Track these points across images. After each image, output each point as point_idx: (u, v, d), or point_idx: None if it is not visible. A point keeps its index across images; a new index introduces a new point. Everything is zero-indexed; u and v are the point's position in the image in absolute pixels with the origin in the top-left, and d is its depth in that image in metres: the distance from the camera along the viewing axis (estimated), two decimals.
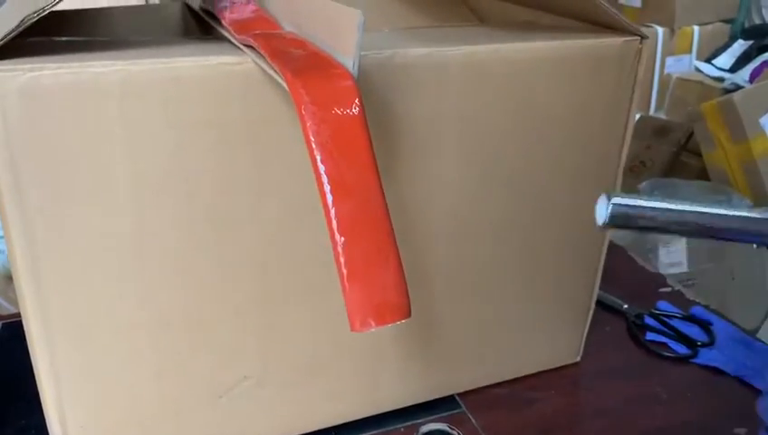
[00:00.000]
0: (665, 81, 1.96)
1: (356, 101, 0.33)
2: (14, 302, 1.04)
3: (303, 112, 0.32)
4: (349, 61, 0.34)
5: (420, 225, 0.49)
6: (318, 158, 0.31)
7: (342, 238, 0.31)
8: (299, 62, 0.34)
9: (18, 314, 0.65)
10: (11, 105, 0.35)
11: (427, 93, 0.44)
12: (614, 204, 0.35)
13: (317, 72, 0.33)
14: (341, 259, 0.31)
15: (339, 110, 0.32)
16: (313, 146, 0.31)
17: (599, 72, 0.50)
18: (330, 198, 0.31)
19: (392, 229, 0.32)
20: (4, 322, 0.67)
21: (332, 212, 0.31)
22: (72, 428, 0.44)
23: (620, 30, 0.51)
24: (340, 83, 0.33)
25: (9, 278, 1.07)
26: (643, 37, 0.51)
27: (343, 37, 0.34)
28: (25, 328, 0.41)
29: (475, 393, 0.58)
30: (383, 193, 0.32)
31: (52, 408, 0.43)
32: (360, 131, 0.32)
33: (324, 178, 0.31)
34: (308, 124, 0.32)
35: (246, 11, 0.46)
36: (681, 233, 0.35)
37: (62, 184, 0.38)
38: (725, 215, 0.34)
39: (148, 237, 0.41)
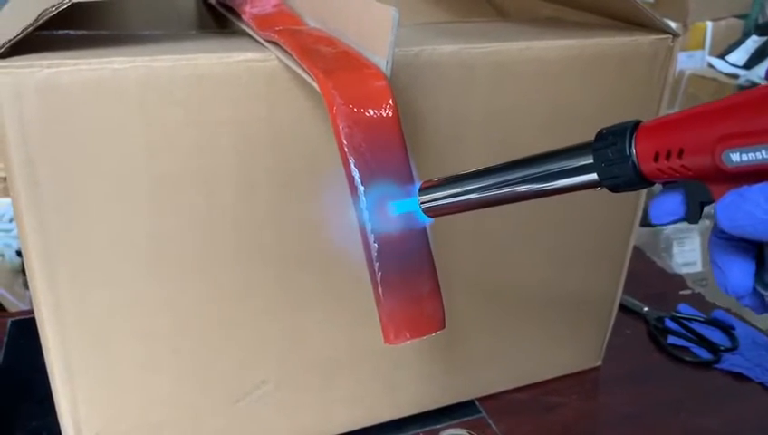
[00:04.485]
0: (677, 77, 1.94)
1: (390, 101, 0.31)
2: (21, 296, 1.03)
3: (336, 113, 0.30)
4: (382, 60, 0.32)
5: (443, 227, 0.47)
6: (351, 161, 0.30)
7: (377, 246, 0.29)
8: (329, 60, 0.33)
9: (28, 312, 0.64)
10: (28, 102, 0.34)
11: (453, 92, 0.43)
12: (425, 208, 0.32)
13: (349, 72, 0.32)
14: (376, 268, 0.29)
15: (372, 111, 0.31)
16: (346, 149, 0.30)
17: (629, 71, 0.48)
18: (364, 201, 0.30)
19: (428, 237, 0.31)
20: (12, 319, 0.66)
21: (366, 217, 0.30)
22: (88, 433, 0.43)
23: (650, 27, 0.49)
24: (374, 84, 0.31)
25: (16, 273, 1.06)
26: (675, 35, 0.49)
27: (376, 35, 0.33)
28: (40, 331, 0.40)
29: (496, 398, 0.57)
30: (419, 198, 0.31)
31: (67, 413, 0.42)
32: (395, 133, 0.31)
33: (358, 182, 0.30)
34: (341, 126, 0.30)
35: (268, 5, 0.44)
36: (502, 202, 0.31)
37: (80, 183, 0.37)
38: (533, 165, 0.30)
39: (167, 239, 0.40)
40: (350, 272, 0.39)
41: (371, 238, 0.30)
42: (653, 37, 0.48)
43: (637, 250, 0.79)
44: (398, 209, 0.31)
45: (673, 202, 0.27)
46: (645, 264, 0.78)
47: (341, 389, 0.50)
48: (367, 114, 0.31)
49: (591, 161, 0.28)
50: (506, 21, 0.61)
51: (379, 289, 0.30)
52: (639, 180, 0.26)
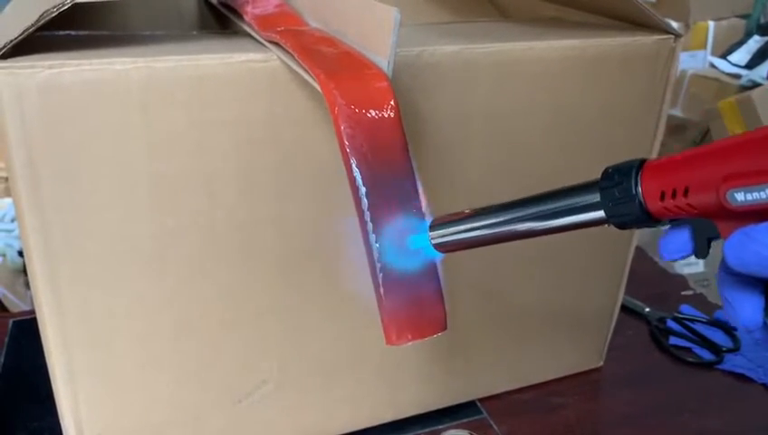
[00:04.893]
0: (679, 77, 1.93)
1: (391, 102, 0.31)
2: (22, 296, 1.03)
3: (337, 114, 0.30)
4: (383, 61, 0.32)
5: None
6: (353, 162, 0.30)
7: (379, 246, 0.29)
8: (331, 61, 0.33)
9: (29, 312, 0.64)
10: (29, 103, 0.34)
11: (455, 92, 0.43)
12: (435, 244, 0.33)
13: (351, 73, 0.32)
14: (378, 269, 0.29)
15: (374, 112, 0.31)
16: (348, 150, 0.30)
17: (631, 72, 0.48)
18: (365, 202, 0.30)
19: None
20: (14, 319, 0.66)
21: (368, 217, 0.30)
22: (89, 434, 0.43)
23: (652, 27, 0.49)
24: (375, 84, 0.31)
25: (17, 273, 1.06)
26: (677, 35, 0.49)
27: (377, 36, 0.32)
28: (41, 331, 0.40)
29: (497, 399, 0.57)
30: (421, 199, 0.31)
31: (69, 413, 0.42)
32: (397, 134, 0.31)
33: (359, 183, 0.30)
34: (342, 127, 0.30)
35: (269, 5, 0.44)
36: (512, 238, 0.32)
37: (82, 184, 0.36)
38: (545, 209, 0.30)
39: (168, 239, 0.40)
40: (352, 272, 0.38)
41: (373, 239, 0.30)
42: (655, 37, 0.48)
43: (639, 250, 0.79)
44: (410, 246, 0.32)
45: (681, 239, 0.27)
46: (647, 264, 0.78)
47: (343, 389, 0.50)
48: (368, 115, 0.31)
49: (599, 200, 0.28)
50: (508, 21, 0.61)
51: (381, 290, 0.30)
52: (647, 218, 0.27)
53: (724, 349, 0.63)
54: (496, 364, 0.56)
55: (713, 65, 1.94)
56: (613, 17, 0.53)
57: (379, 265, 0.30)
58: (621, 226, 0.28)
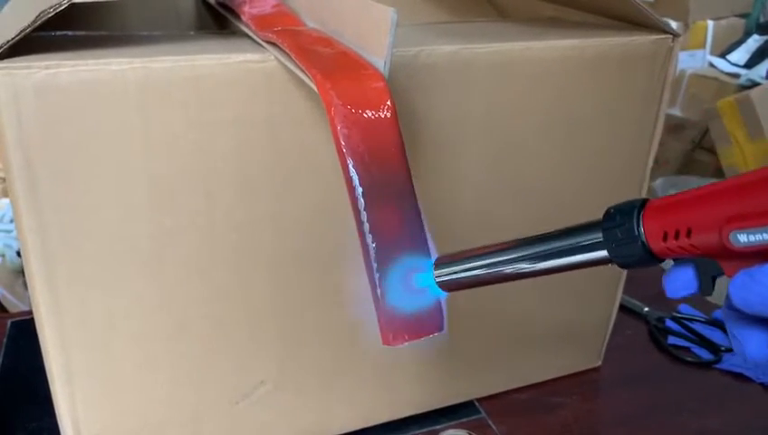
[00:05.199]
0: (678, 77, 1.93)
1: (388, 102, 0.31)
2: (21, 297, 1.03)
3: (334, 115, 0.30)
4: (380, 61, 0.32)
5: (443, 227, 0.47)
6: (349, 163, 0.30)
7: (375, 247, 0.29)
8: (327, 61, 0.33)
9: (27, 312, 0.64)
10: (26, 104, 0.34)
11: (452, 93, 0.43)
12: (439, 283, 0.33)
13: (347, 73, 0.32)
14: (374, 269, 0.29)
15: (370, 112, 0.31)
16: (344, 150, 0.30)
17: (629, 72, 0.48)
18: (362, 202, 0.30)
19: (427, 239, 0.31)
20: (12, 320, 0.66)
21: (364, 218, 0.30)
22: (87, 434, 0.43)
23: (650, 27, 0.49)
24: (372, 84, 0.31)
25: (16, 273, 1.06)
26: (675, 35, 0.49)
27: (374, 36, 0.32)
28: (39, 332, 0.40)
29: (496, 398, 0.57)
30: (417, 199, 0.31)
31: (66, 414, 0.42)
32: (393, 135, 0.31)
33: (356, 183, 0.30)
34: (338, 127, 0.30)
35: (267, 6, 0.44)
36: (514, 278, 0.32)
37: (79, 185, 0.36)
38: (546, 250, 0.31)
39: (166, 240, 0.40)
40: (350, 272, 0.38)
41: (369, 239, 0.30)
42: (653, 37, 0.48)
43: None
44: (415, 284, 0.32)
45: (685, 277, 0.27)
46: None
47: (341, 390, 0.50)
48: (365, 115, 0.31)
49: (601, 240, 0.28)
50: (506, 21, 0.61)
51: (378, 290, 0.30)
52: (650, 258, 0.27)
53: (722, 348, 0.63)
54: (495, 364, 0.56)
55: (712, 65, 1.94)
56: (611, 17, 0.52)
57: (375, 265, 0.30)
58: (625, 266, 0.28)
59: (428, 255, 0.32)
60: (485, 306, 0.52)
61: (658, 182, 1.42)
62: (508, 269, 0.32)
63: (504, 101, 0.45)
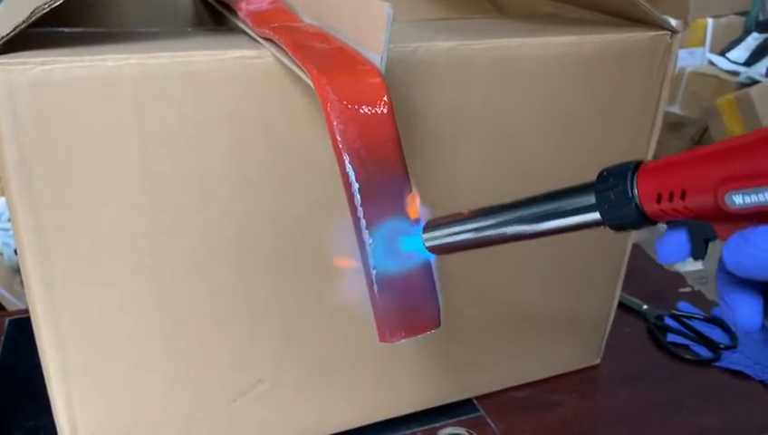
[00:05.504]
0: (678, 74, 1.93)
1: (384, 98, 0.31)
2: (19, 295, 1.03)
3: (330, 111, 0.30)
4: (376, 57, 0.32)
5: None
6: (346, 159, 0.29)
7: (372, 243, 0.29)
8: (324, 57, 0.32)
9: (26, 310, 0.64)
10: (21, 100, 0.34)
11: (449, 89, 0.43)
12: (429, 247, 0.33)
13: (343, 69, 0.31)
14: (371, 265, 0.29)
15: (367, 108, 0.31)
16: (340, 146, 0.30)
17: (628, 68, 0.48)
18: (358, 198, 0.30)
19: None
20: (10, 318, 0.65)
21: (361, 214, 0.29)
22: (83, 433, 0.42)
23: (649, 24, 0.49)
24: (368, 80, 0.31)
25: (14, 271, 1.06)
26: (673, 32, 0.49)
27: (371, 32, 0.32)
28: (35, 330, 0.39)
29: (494, 396, 0.57)
30: (413, 195, 0.31)
31: (63, 412, 0.41)
32: (390, 131, 0.31)
33: (352, 179, 0.30)
34: (335, 123, 0.30)
35: (264, 2, 0.44)
36: (503, 241, 0.31)
37: (75, 182, 0.36)
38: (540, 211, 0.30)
39: (163, 237, 0.40)
40: (347, 269, 0.38)
41: (366, 235, 0.30)
42: (651, 34, 0.48)
43: (636, 248, 0.79)
44: (402, 248, 0.32)
45: (678, 241, 0.27)
46: (644, 261, 0.78)
47: (339, 387, 0.50)
48: (361, 111, 0.31)
49: (594, 202, 0.28)
50: (504, 17, 0.61)
51: (374, 287, 0.30)
52: (643, 221, 0.26)
53: (721, 346, 0.63)
54: (493, 362, 0.55)
55: (711, 63, 1.94)
56: (610, 14, 0.52)
57: (371, 262, 0.30)
58: (617, 228, 0.28)
59: (425, 254, 0.32)
60: (484, 305, 0.52)
61: None
62: (498, 232, 0.31)
63: (501, 98, 0.45)
